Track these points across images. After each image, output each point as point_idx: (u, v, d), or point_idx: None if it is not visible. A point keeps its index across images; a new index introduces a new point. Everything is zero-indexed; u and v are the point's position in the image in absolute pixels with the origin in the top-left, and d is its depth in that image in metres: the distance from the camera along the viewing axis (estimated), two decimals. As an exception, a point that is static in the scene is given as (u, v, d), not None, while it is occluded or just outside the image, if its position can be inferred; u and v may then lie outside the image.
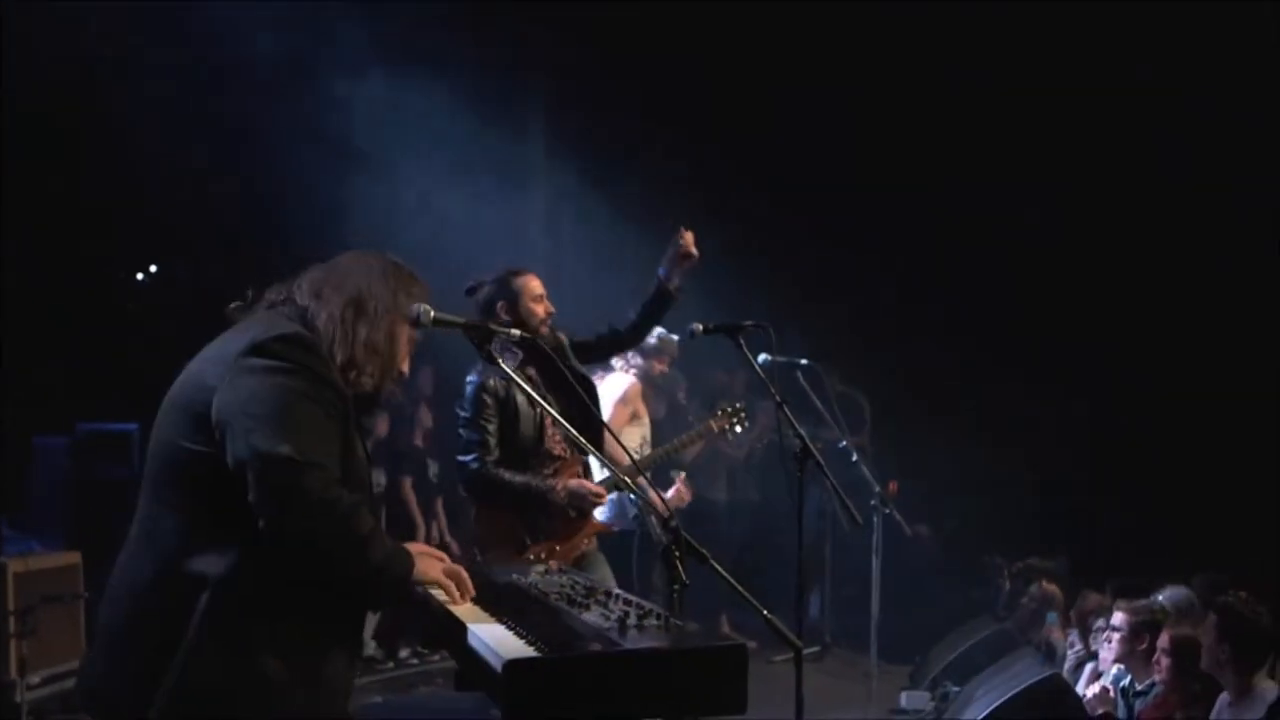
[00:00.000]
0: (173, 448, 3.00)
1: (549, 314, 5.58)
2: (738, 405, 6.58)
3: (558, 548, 5.52)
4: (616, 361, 7.59)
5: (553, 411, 4.91)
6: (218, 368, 3.00)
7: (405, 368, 3.32)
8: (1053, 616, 8.21)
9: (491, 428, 5.54)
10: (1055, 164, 10.73)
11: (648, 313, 5.88)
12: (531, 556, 5.38)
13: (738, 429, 6.61)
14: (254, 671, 2.90)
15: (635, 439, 7.56)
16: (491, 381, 5.55)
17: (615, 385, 7.69)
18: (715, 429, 6.61)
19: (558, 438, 5.64)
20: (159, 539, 2.97)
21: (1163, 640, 5.95)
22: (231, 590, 2.89)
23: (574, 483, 5.54)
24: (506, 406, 5.55)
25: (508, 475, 5.48)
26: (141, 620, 2.95)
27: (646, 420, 7.88)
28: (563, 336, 5.71)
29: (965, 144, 11.01)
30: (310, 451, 2.87)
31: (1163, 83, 10.17)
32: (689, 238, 5.69)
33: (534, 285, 5.61)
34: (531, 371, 5.54)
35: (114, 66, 8.94)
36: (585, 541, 5.69)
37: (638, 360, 7.85)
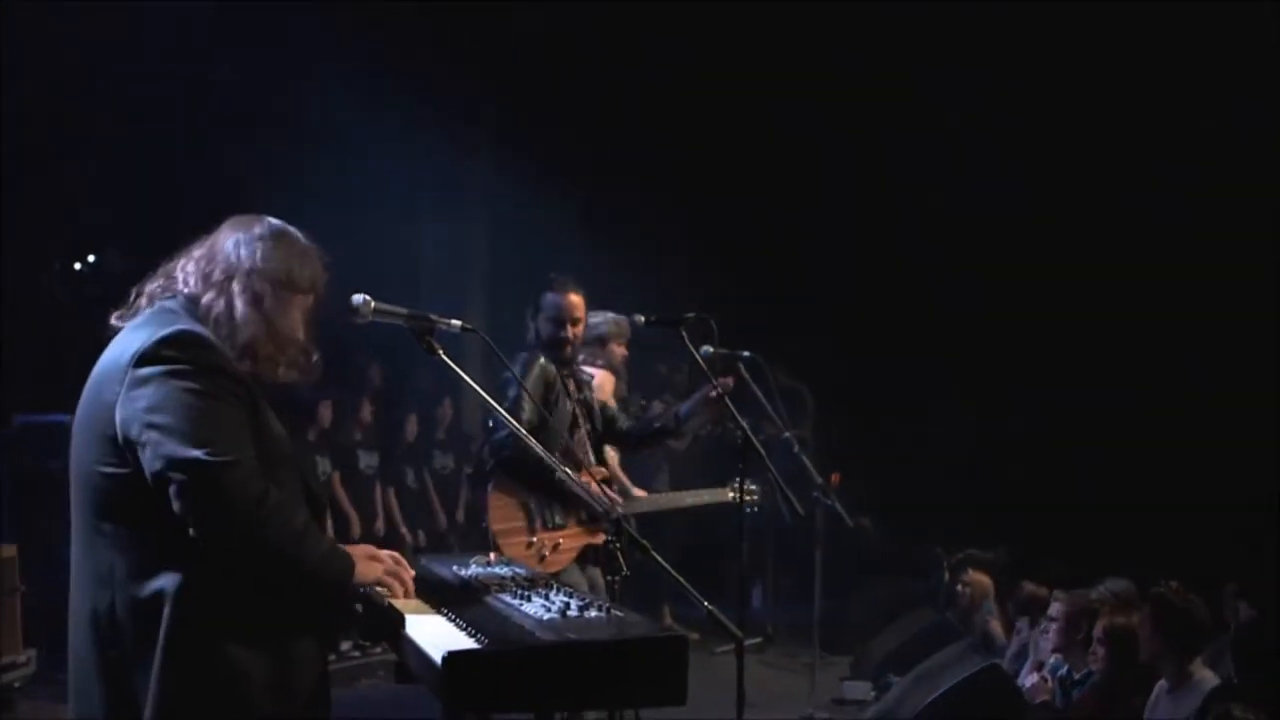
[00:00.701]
0: (92, 475, 2.93)
1: (575, 337, 5.61)
2: (752, 489, 6.39)
3: (561, 542, 5.40)
4: (581, 356, 7.47)
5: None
6: (112, 383, 2.91)
7: (300, 336, 3.19)
8: (989, 606, 8.29)
9: (528, 409, 5.39)
10: (995, 154, 10.80)
11: (651, 437, 5.96)
12: (535, 542, 5.33)
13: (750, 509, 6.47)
14: (228, 679, 2.86)
15: None
16: (546, 363, 5.53)
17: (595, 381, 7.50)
18: (728, 497, 6.51)
19: (585, 445, 5.62)
20: (105, 568, 2.89)
21: (1097, 630, 6.03)
22: (190, 605, 2.83)
23: (595, 487, 5.48)
24: (551, 391, 5.51)
25: (542, 451, 5.38)
26: (109, 650, 2.88)
27: None
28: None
29: (898, 136, 11.09)
30: (222, 450, 2.81)
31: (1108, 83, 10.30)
32: (727, 384, 5.55)
33: (558, 302, 5.63)
34: (571, 386, 5.62)
35: (78, 63, 8.80)
36: (592, 545, 5.46)
37: (599, 351, 7.66)
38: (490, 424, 5.52)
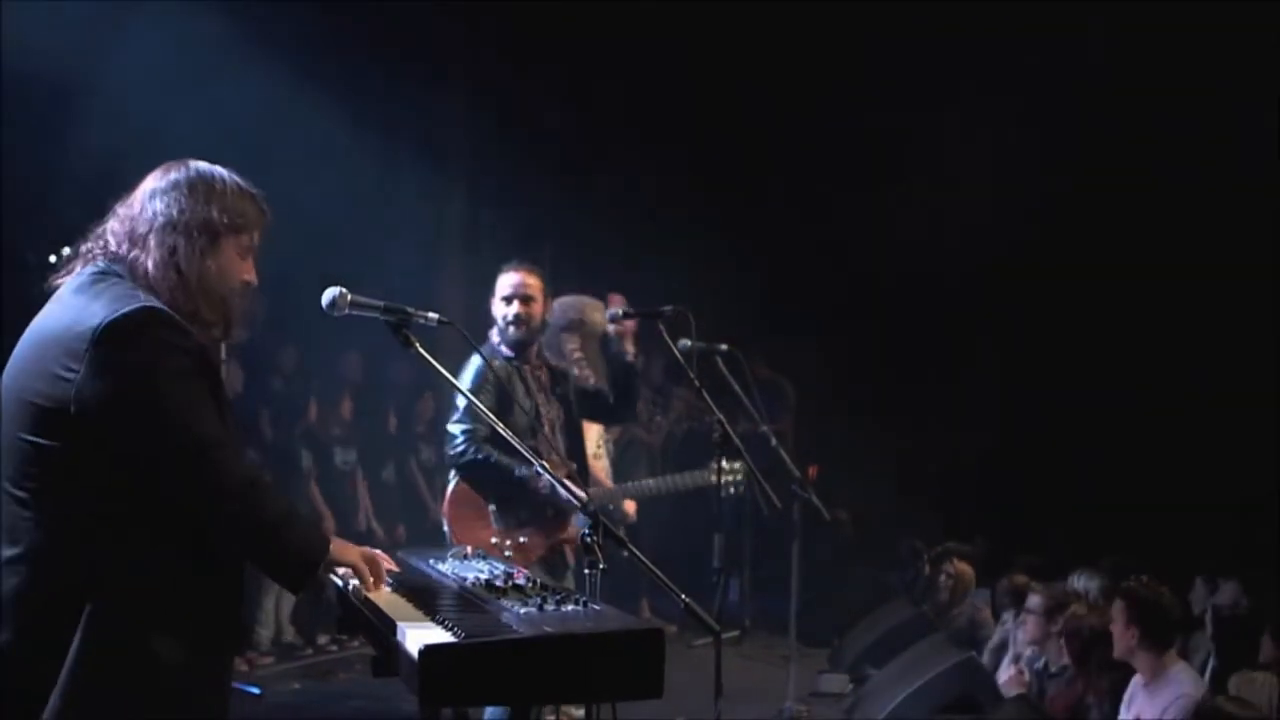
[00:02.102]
0: (16, 442, 2.80)
1: (519, 317, 5.50)
2: (735, 467, 6.37)
3: (523, 540, 5.41)
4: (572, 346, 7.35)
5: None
6: (61, 357, 2.78)
7: (249, 277, 3.08)
8: (982, 594, 8.31)
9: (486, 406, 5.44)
10: (976, 155, 10.82)
11: (621, 388, 5.85)
12: (497, 542, 5.32)
13: (731, 490, 6.44)
14: (142, 670, 2.78)
15: (592, 435, 7.33)
16: (497, 362, 5.47)
17: None
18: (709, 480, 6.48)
19: (551, 440, 5.57)
20: (22, 543, 2.77)
21: (1059, 627, 6.08)
22: (110, 589, 2.75)
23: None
24: (502, 392, 5.45)
25: (496, 455, 5.35)
26: (24, 630, 2.76)
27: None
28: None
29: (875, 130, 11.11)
30: (210, 434, 2.82)
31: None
32: (616, 301, 5.61)
33: (504, 281, 5.56)
34: (542, 375, 5.58)
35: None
36: (558, 543, 5.52)
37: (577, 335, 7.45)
38: (450, 430, 5.51)
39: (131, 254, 2.94)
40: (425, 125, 11.02)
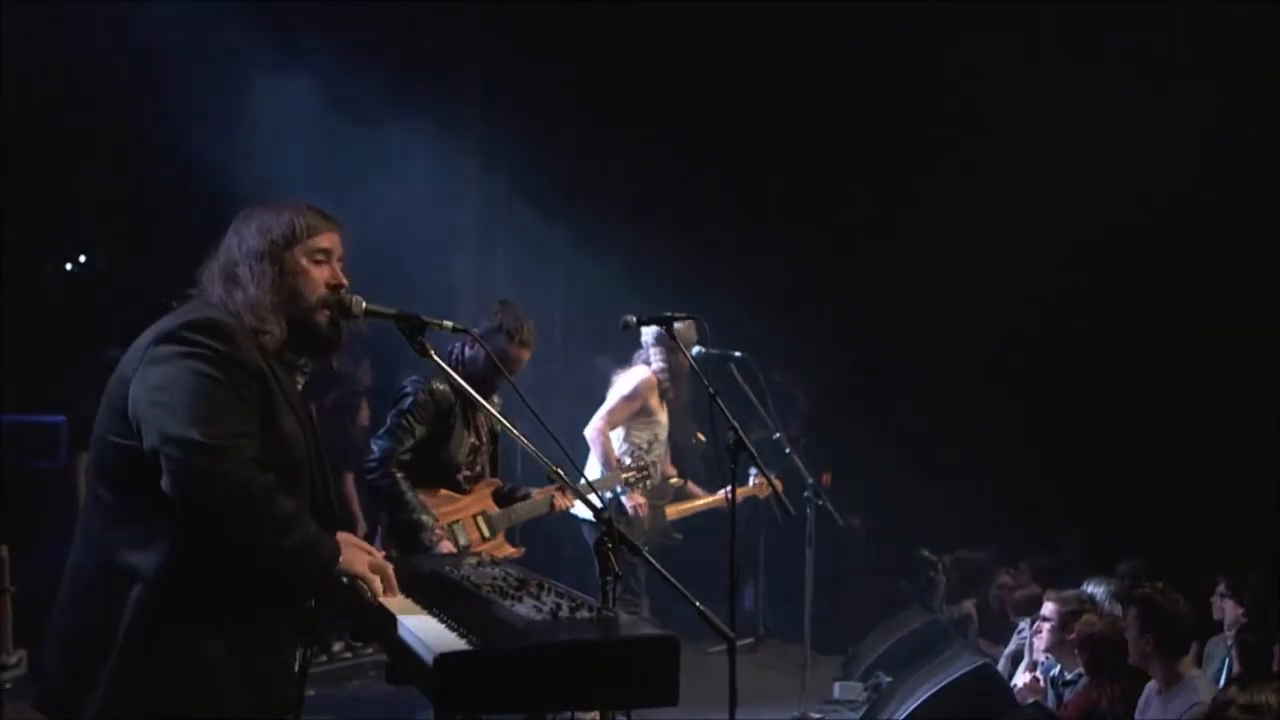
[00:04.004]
0: (103, 443, 3.02)
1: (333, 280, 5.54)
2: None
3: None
4: (639, 354, 7.37)
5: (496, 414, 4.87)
6: (132, 360, 3.01)
7: (334, 280, 3.25)
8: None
9: (418, 431, 5.53)
10: (999, 158, 10.79)
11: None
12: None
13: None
14: (190, 665, 2.88)
15: (644, 436, 7.29)
16: (442, 388, 5.54)
17: (627, 379, 7.30)
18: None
19: (479, 461, 5.75)
20: (94, 534, 2.98)
21: (1073, 636, 6.07)
22: (162, 582, 2.88)
23: (446, 543, 5.50)
24: (444, 421, 5.53)
25: (404, 489, 5.47)
26: (82, 617, 2.96)
27: (661, 418, 7.30)
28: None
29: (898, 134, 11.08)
30: (220, 434, 2.86)
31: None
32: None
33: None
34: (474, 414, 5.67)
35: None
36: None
37: (659, 352, 7.28)
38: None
39: (220, 292, 3.14)
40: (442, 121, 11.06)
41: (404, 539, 5.45)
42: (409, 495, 5.42)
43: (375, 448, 5.52)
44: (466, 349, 5.64)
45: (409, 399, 5.54)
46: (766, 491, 6.21)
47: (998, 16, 10.50)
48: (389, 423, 5.55)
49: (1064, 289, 10.79)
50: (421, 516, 5.40)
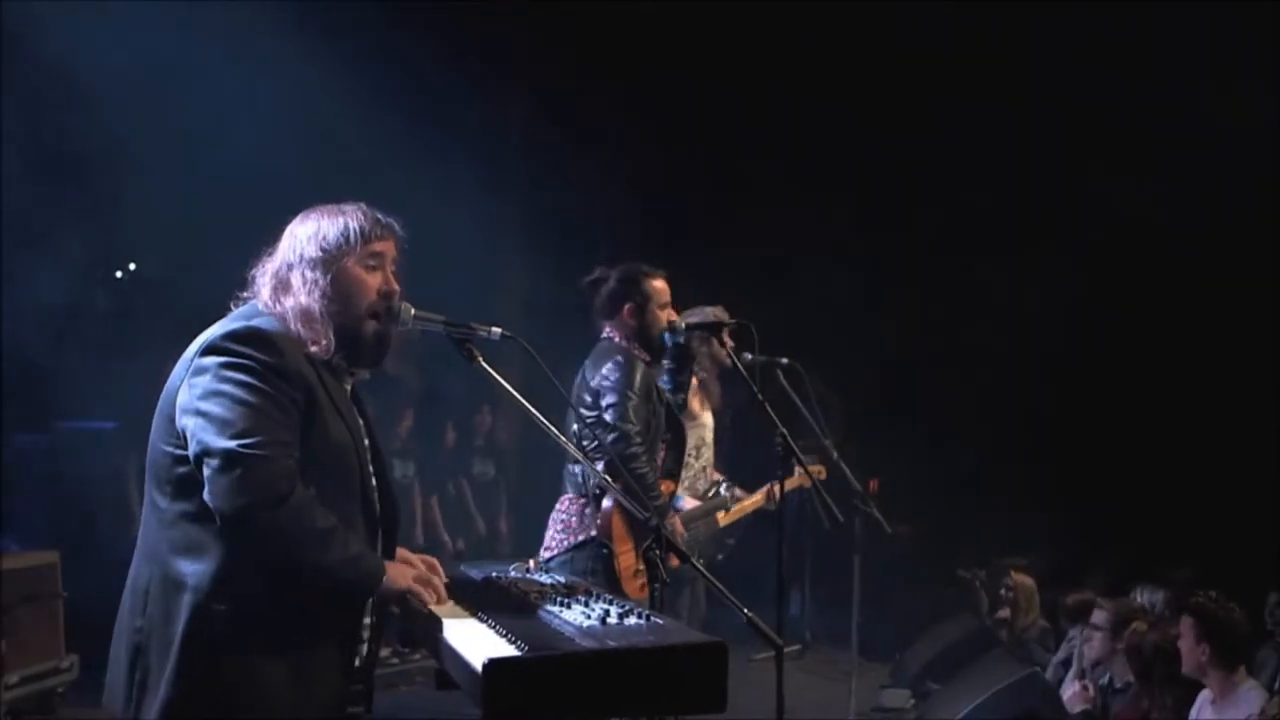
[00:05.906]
0: (156, 450, 3.04)
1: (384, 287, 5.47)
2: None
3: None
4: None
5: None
6: (180, 370, 3.05)
7: (386, 286, 3.25)
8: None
9: (644, 412, 5.36)
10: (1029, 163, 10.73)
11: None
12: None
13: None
14: (239, 673, 2.90)
15: (690, 441, 7.20)
16: (646, 365, 5.45)
17: None
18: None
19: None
20: (153, 541, 3.01)
21: (1123, 644, 6.01)
22: (213, 591, 2.90)
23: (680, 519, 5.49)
24: (650, 399, 5.41)
25: (646, 468, 5.25)
26: (138, 620, 2.98)
27: (705, 419, 7.09)
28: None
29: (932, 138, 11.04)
30: (257, 445, 2.87)
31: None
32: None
33: (664, 290, 5.47)
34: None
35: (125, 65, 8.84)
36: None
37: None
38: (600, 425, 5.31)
39: (271, 298, 3.15)
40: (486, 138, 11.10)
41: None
42: (646, 468, 5.28)
43: (624, 423, 5.28)
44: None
45: (633, 379, 5.34)
46: (808, 482, 6.12)
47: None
48: (624, 406, 5.31)
49: (1110, 297, 10.72)
50: (653, 495, 5.21)
